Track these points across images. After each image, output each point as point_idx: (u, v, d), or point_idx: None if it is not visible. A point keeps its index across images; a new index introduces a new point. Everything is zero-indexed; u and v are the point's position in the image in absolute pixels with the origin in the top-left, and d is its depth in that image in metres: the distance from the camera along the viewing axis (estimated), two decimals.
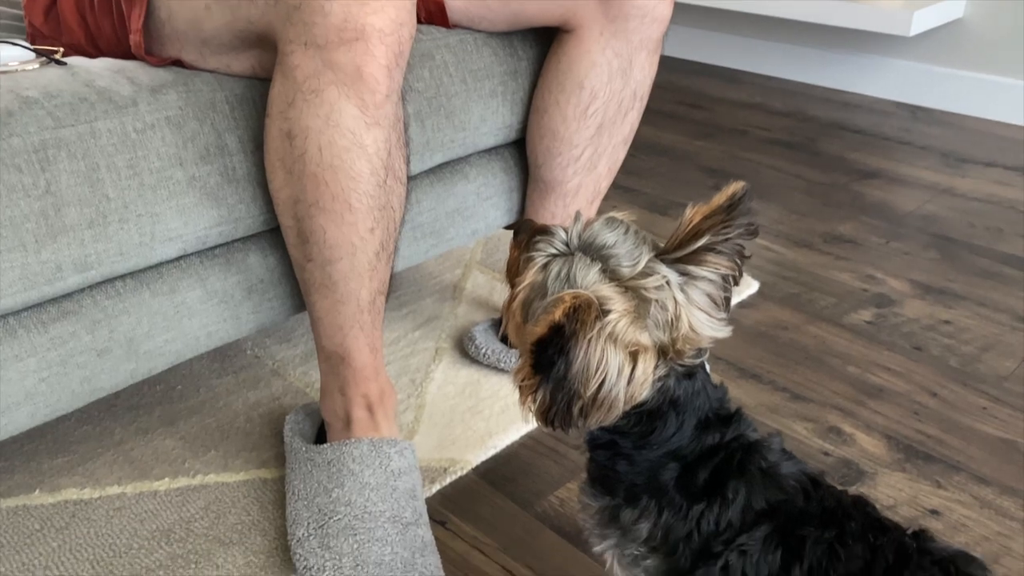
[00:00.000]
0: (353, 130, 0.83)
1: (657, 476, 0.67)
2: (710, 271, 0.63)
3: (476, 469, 1.14)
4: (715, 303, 0.63)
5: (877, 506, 0.67)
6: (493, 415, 1.22)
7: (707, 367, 0.67)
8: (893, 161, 2.07)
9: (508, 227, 0.94)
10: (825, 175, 1.99)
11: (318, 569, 0.90)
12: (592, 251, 0.63)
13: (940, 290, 1.53)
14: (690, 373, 0.65)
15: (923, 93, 2.36)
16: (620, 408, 0.61)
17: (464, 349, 1.35)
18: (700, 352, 0.64)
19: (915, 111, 2.34)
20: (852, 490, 1.09)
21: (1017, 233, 1.72)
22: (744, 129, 2.28)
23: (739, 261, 0.64)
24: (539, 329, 0.58)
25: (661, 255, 0.63)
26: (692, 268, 0.62)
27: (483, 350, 1.31)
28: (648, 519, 0.67)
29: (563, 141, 1.15)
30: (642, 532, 0.68)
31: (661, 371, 0.62)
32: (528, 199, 1.25)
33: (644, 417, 0.65)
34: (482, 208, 1.19)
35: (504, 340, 1.32)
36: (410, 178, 0.99)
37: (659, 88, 2.34)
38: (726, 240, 0.62)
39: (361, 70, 0.80)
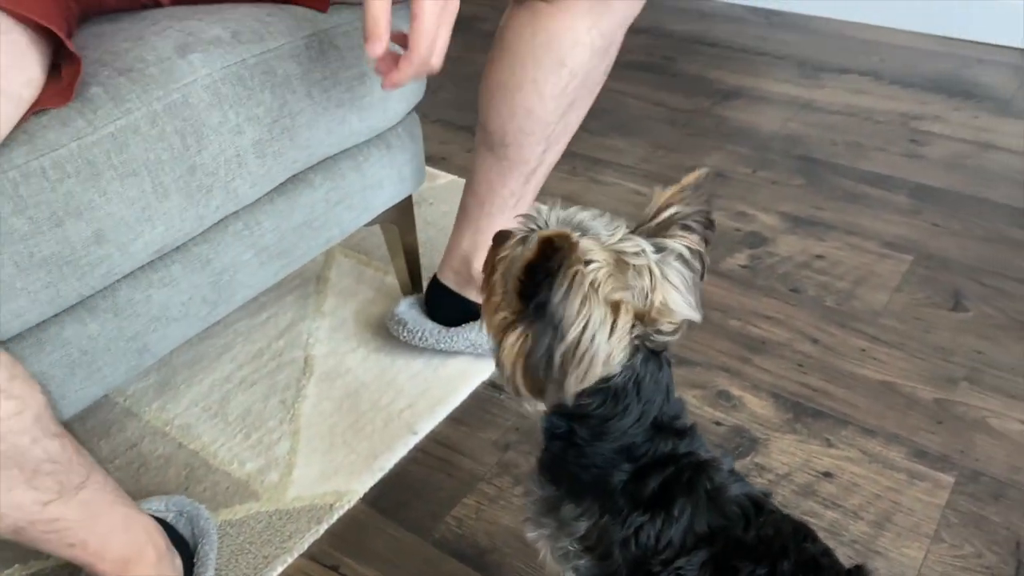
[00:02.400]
0: None
1: (607, 477, 0.66)
2: (680, 244, 0.64)
3: (365, 498, 1.07)
4: (687, 284, 0.64)
5: (787, 491, 0.64)
6: (376, 431, 1.15)
7: (671, 367, 0.67)
8: (752, 76, 2.03)
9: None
10: (687, 100, 1.94)
11: None
12: (570, 225, 0.63)
13: (810, 221, 1.53)
14: (657, 353, 0.65)
15: None
16: (598, 368, 0.60)
17: (391, 333, 1.24)
18: (672, 332, 0.64)
19: (769, 15, 2.30)
20: (747, 461, 1.09)
21: (875, 147, 1.73)
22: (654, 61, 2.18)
23: (706, 240, 0.66)
24: (528, 254, 0.59)
25: (636, 230, 0.65)
26: (665, 241, 0.64)
27: (417, 333, 1.22)
28: (588, 518, 0.68)
29: (538, 120, 1.04)
30: (579, 529, 0.68)
31: (637, 331, 0.62)
32: (482, 176, 1.13)
33: (608, 398, 0.64)
34: (334, 214, 1.07)
35: (436, 317, 1.23)
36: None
37: (500, 13, 2.17)
38: (694, 214, 0.65)
39: None
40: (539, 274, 0.59)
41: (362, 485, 1.08)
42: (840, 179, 1.64)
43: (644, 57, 2.10)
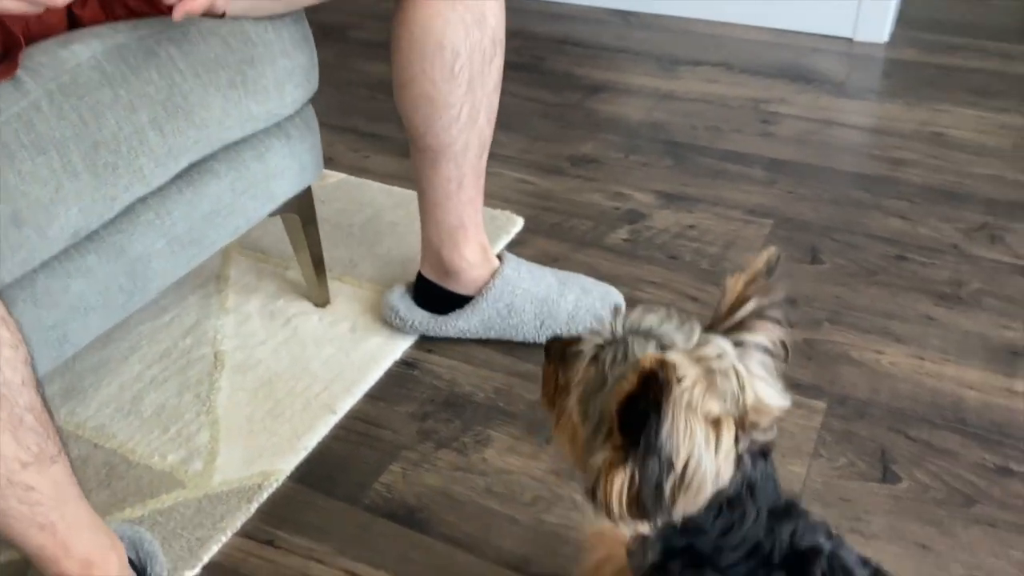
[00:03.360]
0: None
1: None
2: (761, 337, 0.62)
3: (292, 476, 1.10)
4: (773, 372, 0.62)
5: None
6: (295, 414, 1.18)
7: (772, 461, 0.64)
8: (615, 71, 2.17)
9: (546, 350, 0.72)
10: (558, 95, 2.05)
11: None
12: (641, 332, 0.61)
13: (680, 196, 1.66)
14: (764, 452, 0.62)
15: None
16: (708, 489, 0.57)
17: (386, 321, 1.31)
18: (771, 427, 0.61)
19: (626, 16, 2.46)
20: None
21: (732, 129, 1.89)
22: None
23: (785, 327, 0.63)
24: (625, 385, 0.55)
25: (710, 328, 0.62)
26: (744, 336, 0.61)
27: (409, 320, 1.28)
28: None
29: (439, 105, 1.10)
30: None
31: (742, 445, 0.59)
32: (419, 170, 1.20)
33: (724, 507, 0.61)
34: (240, 203, 1.10)
35: (425, 306, 1.29)
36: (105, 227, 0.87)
37: (372, 19, 2.27)
38: (770, 304, 0.62)
39: None
40: (641, 407, 0.55)
41: (288, 464, 1.11)
42: (703, 159, 1.78)
43: (515, 58, 2.19)
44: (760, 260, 0.63)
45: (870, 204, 1.61)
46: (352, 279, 1.43)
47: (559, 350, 0.67)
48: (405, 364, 1.28)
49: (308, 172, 1.21)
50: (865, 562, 0.67)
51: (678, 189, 1.68)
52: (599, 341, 0.62)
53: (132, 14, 0.97)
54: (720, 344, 0.60)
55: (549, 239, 1.54)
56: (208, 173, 1.04)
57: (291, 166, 1.17)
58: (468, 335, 1.29)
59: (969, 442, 1.12)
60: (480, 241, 1.26)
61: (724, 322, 0.62)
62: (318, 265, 1.33)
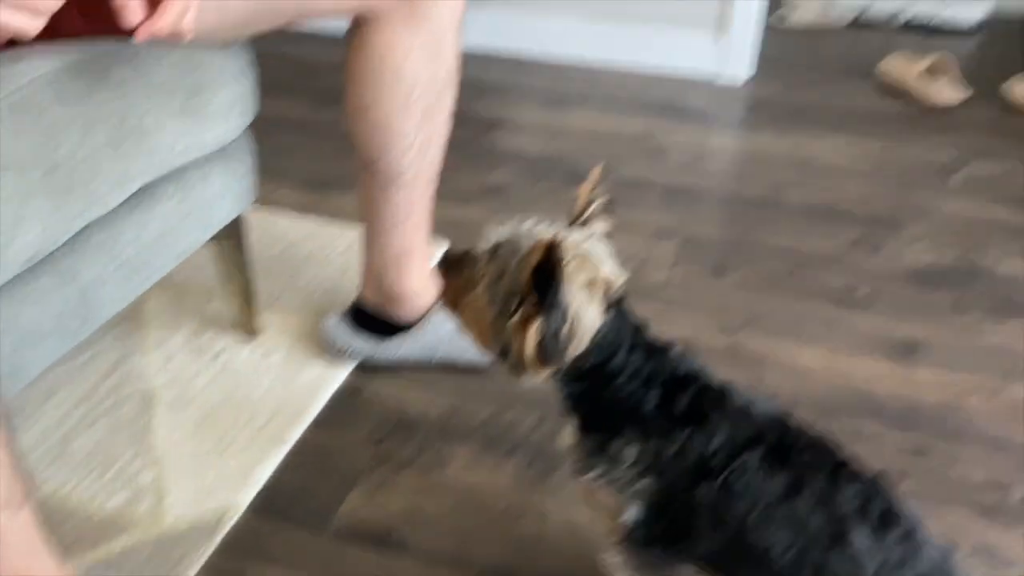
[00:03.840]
0: None
1: (638, 406, 0.78)
2: (599, 228, 0.82)
3: (251, 508, 1.06)
4: (610, 252, 0.81)
5: None
6: (243, 447, 1.13)
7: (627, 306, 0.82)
8: (507, 109, 2.24)
9: (438, 265, 0.86)
10: (460, 131, 2.06)
11: None
12: (523, 235, 0.77)
13: None
14: (618, 304, 0.79)
15: (513, 39, 2.57)
16: (587, 336, 0.75)
17: (326, 348, 1.29)
18: (620, 289, 0.79)
19: (508, 58, 2.54)
20: None
21: (627, 159, 2.00)
22: None
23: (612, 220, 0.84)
24: (533, 259, 0.71)
25: (570, 226, 0.81)
26: (587, 229, 0.81)
27: (350, 348, 1.27)
28: (634, 445, 0.78)
29: (394, 133, 1.10)
30: (630, 456, 0.78)
31: (606, 301, 0.77)
32: (367, 195, 1.19)
33: (598, 349, 0.77)
34: (184, 227, 1.06)
35: (366, 327, 1.27)
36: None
37: (273, 58, 2.26)
38: (603, 204, 0.84)
39: None
40: (544, 275, 0.71)
41: (244, 497, 1.06)
42: (605, 186, 1.87)
43: None
44: (595, 172, 0.84)
45: (761, 222, 1.74)
46: (279, 310, 1.40)
47: (453, 261, 0.84)
48: (349, 391, 1.26)
49: (245, 196, 1.18)
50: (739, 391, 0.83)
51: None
52: (490, 244, 0.79)
53: (79, 35, 0.93)
54: (577, 234, 0.80)
55: None
56: (156, 195, 1.00)
57: (231, 190, 1.14)
58: (410, 360, 1.28)
59: (887, 427, 1.23)
60: (425, 268, 1.26)
61: (577, 221, 0.83)
62: (248, 294, 1.29)
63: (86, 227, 0.91)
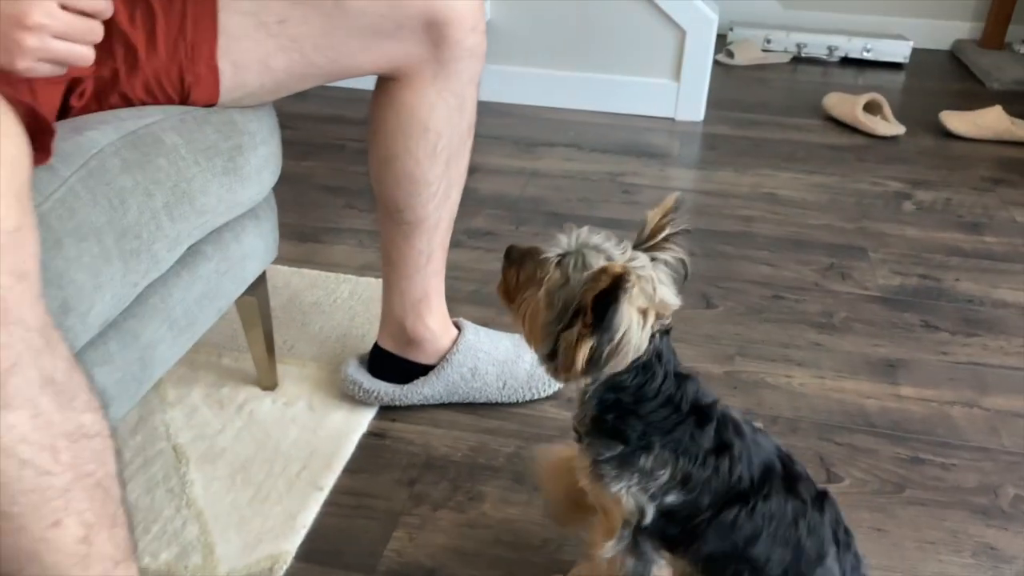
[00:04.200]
0: None
1: (667, 428, 0.85)
2: (669, 256, 0.85)
3: (298, 556, 1.08)
4: (673, 281, 0.85)
5: None
6: (282, 495, 1.16)
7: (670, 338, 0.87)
8: (481, 154, 2.30)
9: (507, 255, 0.89)
10: None
11: None
12: (591, 247, 0.82)
13: None
14: (667, 331, 0.85)
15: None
16: (631, 355, 0.80)
17: (348, 394, 1.33)
18: (670, 317, 0.84)
19: (479, 105, 2.63)
20: None
21: (600, 199, 2.09)
22: (339, 143, 2.34)
23: (686, 249, 0.87)
24: (599, 284, 0.76)
25: (636, 247, 0.85)
26: (657, 254, 0.85)
27: (372, 393, 1.31)
28: (667, 465, 0.85)
29: (420, 182, 1.16)
30: (664, 475, 0.85)
31: (655, 326, 0.82)
32: (390, 243, 1.24)
33: (640, 370, 0.83)
34: (222, 284, 1.09)
35: (386, 371, 1.31)
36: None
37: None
38: (677, 232, 0.86)
39: None
40: (607, 299, 0.77)
41: (291, 544, 1.09)
42: (586, 226, 1.95)
43: None
44: (669, 201, 0.87)
45: (737, 255, 1.85)
46: (293, 359, 1.43)
47: (519, 255, 0.88)
48: (374, 435, 1.29)
49: (271, 251, 1.22)
50: (748, 421, 0.91)
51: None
52: (559, 251, 0.84)
53: (128, 103, 0.96)
54: (643, 258, 0.84)
55: (472, 305, 1.62)
56: (199, 255, 1.04)
57: (259, 246, 1.17)
58: (432, 401, 1.33)
59: (882, 441, 1.32)
60: (442, 311, 1.31)
61: (645, 244, 0.86)
62: (270, 343, 1.32)
63: (144, 291, 0.93)
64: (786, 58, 3.28)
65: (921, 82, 3.10)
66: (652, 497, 0.86)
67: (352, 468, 1.23)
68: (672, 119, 2.60)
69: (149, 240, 0.89)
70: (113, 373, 0.89)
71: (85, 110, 0.95)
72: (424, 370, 1.32)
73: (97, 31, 0.75)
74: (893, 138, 2.51)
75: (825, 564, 0.85)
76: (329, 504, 1.16)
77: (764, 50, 3.29)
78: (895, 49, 3.24)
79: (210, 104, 1.01)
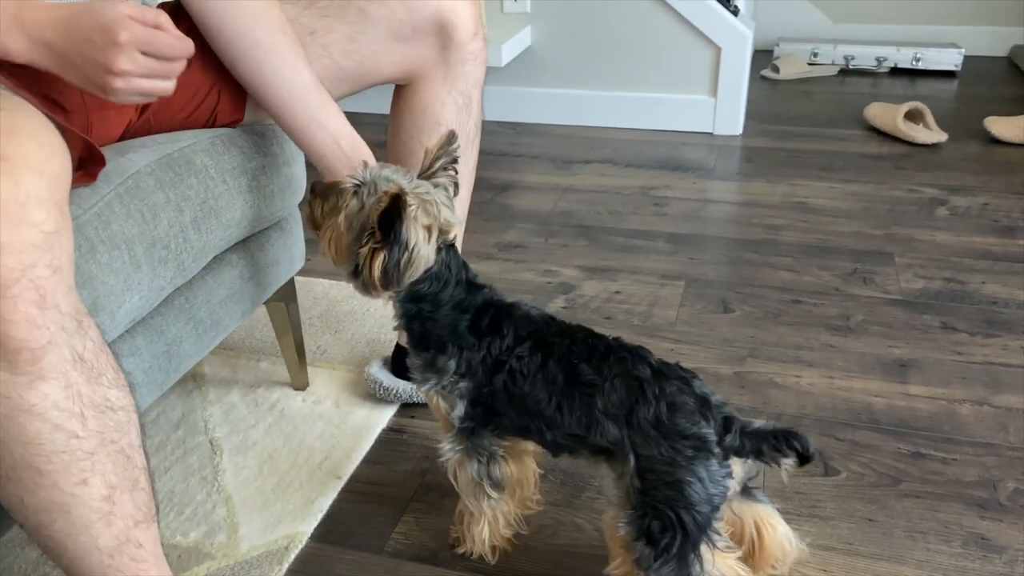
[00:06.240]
0: (7, 395, 0.72)
1: (455, 327, 1.00)
2: (445, 179, 1.00)
3: (313, 536, 1.18)
4: (451, 201, 1.00)
5: None
6: (303, 483, 1.26)
7: (458, 249, 1.04)
8: (517, 173, 2.42)
9: (312, 190, 1.04)
10: (476, 194, 2.24)
11: None
12: (383, 178, 0.95)
13: (601, 269, 1.88)
14: (450, 246, 1.00)
15: (517, 111, 2.77)
16: (423, 265, 0.94)
17: (370, 393, 1.43)
18: (452, 233, 1.00)
19: (515, 127, 2.74)
20: None
21: (630, 212, 2.15)
22: None
23: (455, 174, 1.02)
24: (381, 204, 0.89)
25: (420, 176, 0.99)
26: (436, 180, 0.99)
27: (392, 390, 1.41)
28: (454, 357, 1.00)
29: None
30: (452, 366, 1.01)
31: (440, 240, 0.97)
32: None
33: (433, 279, 0.98)
34: (246, 289, 1.21)
35: (404, 376, 1.40)
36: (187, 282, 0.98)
37: None
38: (450, 161, 1.00)
39: None
40: (391, 217, 0.90)
41: (308, 526, 1.19)
42: (613, 237, 2.02)
43: None
44: (442, 136, 1.00)
45: (760, 262, 1.88)
46: (325, 363, 1.54)
47: (322, 189, 1.01)
48: (393, 431, 1.39)
49: (296, 261, 1.33)
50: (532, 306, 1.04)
51: (598, 263, 1.90)
52: (355, 182, 0.96)
53: (184, 126, 1.11)
54: (427, 186, 0.97)
55: None
56: (224, 262, 1.16)
57: (284, 256, 1.29)
58: None
59: (885, 437, 1.35)
60: None
61: (426, 173, 1.00)
62: (300, 348, 1.44)
63: (171, 293, 1.05)
64: (833, 71, 3.28)
65: (973, 89, 3.07)
66: (449, 390, 1.01)
67: (370, 459, 1.32)
68: (711, 133, 2.65)
69: (177, 250, 1.01)
70: (141, 364, 1.01)
71: (140, 117, 1.09)
72: None
73: (177, 68, 0.87)
74: (935, 146, 2.50)
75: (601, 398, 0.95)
76: (346, 491, 1.26)
77: (811, 63, 3.30)
78: (946, 58, 3.21)
79: (237, 119, 1.15)
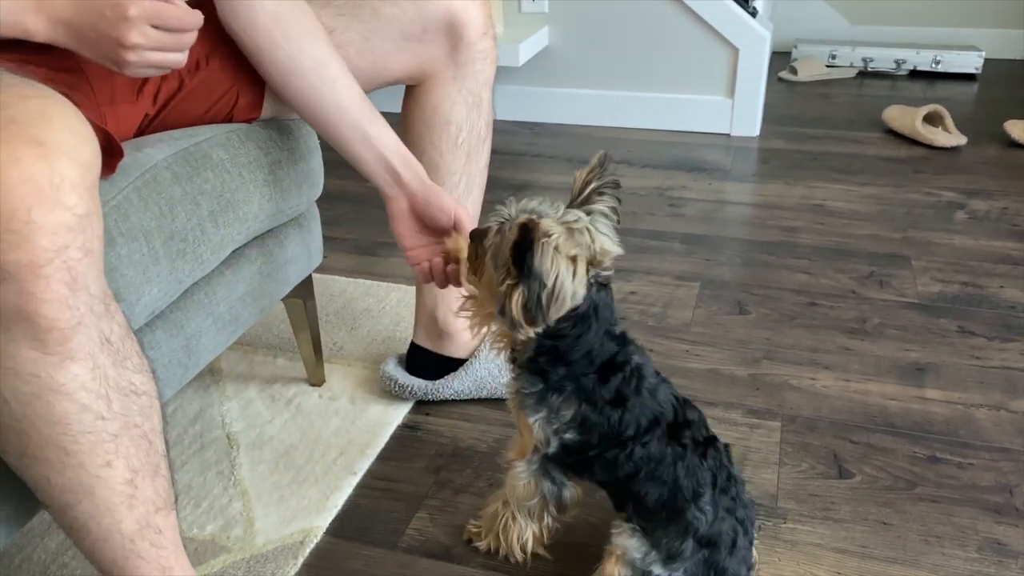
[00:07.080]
0: (37, 374, 0.73)
1: (579, 379, 0.96)
2: (603, 206, 0.92)
3: (328, 531, 1.19)
4: (613, 229, 0.93)
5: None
6: (319, 478, 1.27)
7: (611, 292, 0.97)
8: (534, 172, 2.42)
9: (471, 238, 1.00)
10: (490, 195, 2.25)
11: None
12: (527, 211, 0.91)
13: (617, 269, 1.86)
14: (605, 284, 0.93)
15: (534, 111, 2.77)
16: (568, 302, 0.87)
17: (385, 390, 1.43)
18: (611, 267, 0.93)
19: (533, 127, 2.74)
20: None
21: (646, 212, 2.15)
22: None
23: (617, 197, 0.94)
24: (511, 236, 0.85)
25: (570, 205, 0.92)
26: (591, 207, 0.92)
27: (408, 387, 1.41)
28: (571, 407, 0.97)
29: (443, 172, 1.29)
30: (567, 415, 0.98)
31: (591, 273, 0.90)
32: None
33: (578, 320, 0.92)
34: (266, 285, 1.22)
35: (420, 367, 1.41)
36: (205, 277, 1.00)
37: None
38: (604, 184, 0.93)
39: (24, 310, 0.69)
40: (523, 248, 0.85)
41: (323, 520, 1.19)
42: (629, 238, 2.02)
43: None
44: (594, 159, 0.94)
45: (776, 264, 1.88)
46: (341, 360, 1.55)
47: (478, 236, 0.96)
48: (407, 427, 1.39)
49: (314, 258, 1.34)
50: (664, 379, 1.02)
51: (614, 263, 1.90)
52: (501, 219, 0.92)
53: (200, 123, 1.12)
54: (576, 213, 0.90)
55: None
56: (242, 258, 1.17)
57: (302, 252, 1.30)
58: (462, 396, 1.42)
59: (900, 440, 1.34)
60: None
61: (577, 200, 0.93)
62: (317, 344, 1.45)
63: (190, 287, 1.07)
64: (852, 73, 3.27)
65: (993, 92, 3.05)
66: (555, 432, 0.99)
67: (385, 456, 1.33)
68: (728, 135, 2.65)
69: (194, 243, 1.02)
70: (160, 358, 1.02)
71: (157, 115, 1.10)
72: (456, 365, 1.41)
73: (187, 40, 0.88)
74: (954, 149, 2.49)
75: (700, 502, 0.96)
76: (361, 487, 1.27)
77: (829, 66, 3.29)
78: (966, 60, 3.19)
79: (254, 116, 1.16)
